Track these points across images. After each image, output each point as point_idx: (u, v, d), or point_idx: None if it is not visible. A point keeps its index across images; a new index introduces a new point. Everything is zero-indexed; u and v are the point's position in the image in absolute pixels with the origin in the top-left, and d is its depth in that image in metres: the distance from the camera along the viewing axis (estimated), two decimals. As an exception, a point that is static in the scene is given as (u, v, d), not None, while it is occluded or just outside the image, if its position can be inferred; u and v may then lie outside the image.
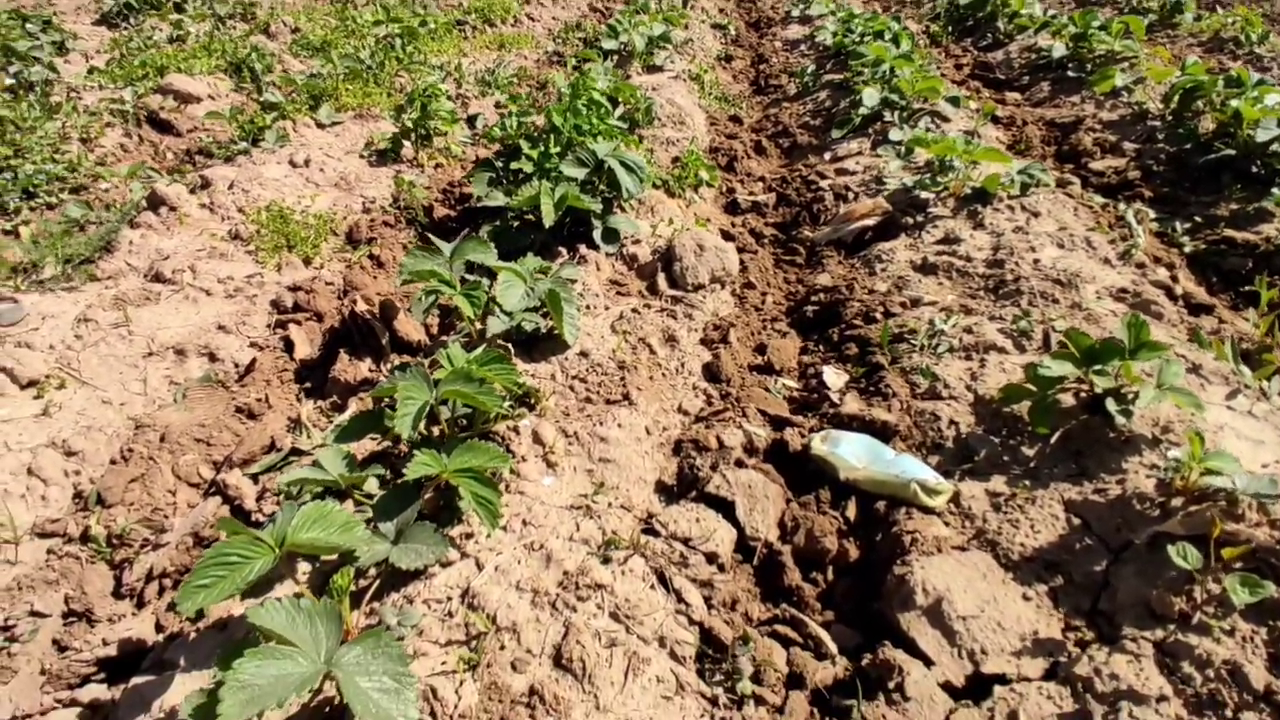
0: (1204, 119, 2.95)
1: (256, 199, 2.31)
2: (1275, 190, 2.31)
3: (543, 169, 2.17)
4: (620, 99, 3.09)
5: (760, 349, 1.91)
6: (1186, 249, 2.31)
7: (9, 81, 3.80)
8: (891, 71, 3.28)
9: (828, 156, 3.04)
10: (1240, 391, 1.54)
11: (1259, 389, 1.56)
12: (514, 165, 2.17)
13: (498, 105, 3.39)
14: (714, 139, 3.22)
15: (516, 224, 2.09)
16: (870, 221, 2.32)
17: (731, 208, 2.68)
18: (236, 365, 1.77)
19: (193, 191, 2.40)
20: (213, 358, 1.76)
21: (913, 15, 5.64)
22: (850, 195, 2.58)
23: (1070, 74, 3.73)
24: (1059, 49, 3.83)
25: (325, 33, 4.53)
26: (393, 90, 3.42)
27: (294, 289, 1.99)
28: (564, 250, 2.08)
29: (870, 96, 3.09)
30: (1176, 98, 3.00)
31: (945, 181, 2.40)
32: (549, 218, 1.92)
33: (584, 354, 1.67)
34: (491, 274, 1.67)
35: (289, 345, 1.83)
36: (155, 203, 2.23)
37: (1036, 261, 2.00)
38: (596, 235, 2.05)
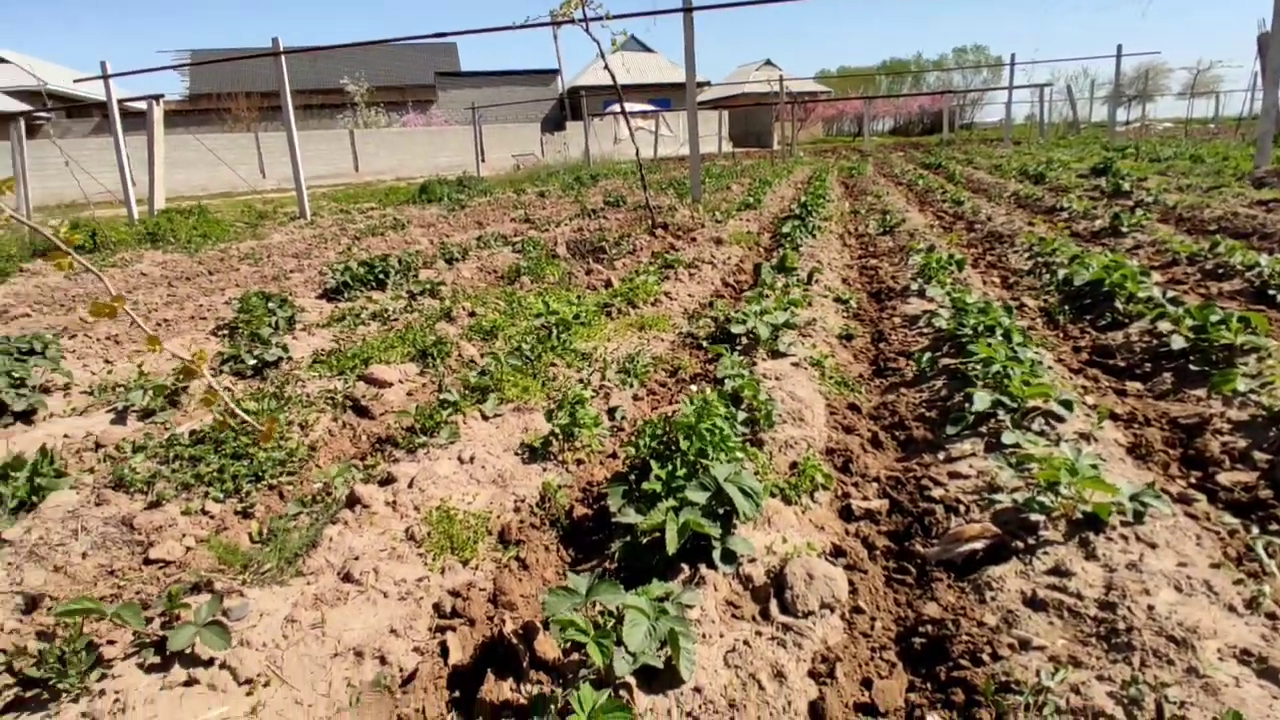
0: (1341, 431, 2.89)
1: (429, 498, 2.75)
2: None
3: (670, 488, 2.48)
4: (744, 397, 3.46)
5: (866, 683, 1.99)
6: (1329, 587, 2.22)
7: (251, 361, 4.74)
8: (1004, 372, 3.48)
9: (941, 456, 3.20)
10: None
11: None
12: (645, 486, 2.50)
13: (635, 398, 3.86)
14: (831, 434, 3.48)
15: (645, 541, 2.37)
16: (979, 545, 2.42)
17: (846, 513, 2.86)
18: (401, 670, 2.07)
19: (382, 485, 2.89)
20: (383, 660, 2.08)
21: (1031, 289, 5.91)
22: (961, 509, 2.70)
23: (1193, 366, 3.78)
24: (1178, 340, 3.91)
25: (496, 317, 5.37)
26: (546, 380, 3.98)
27: (453, 593, 2.33)
28: (685, 567, 2.32)
29: (981, 400, 3.28)
30: (1307, 407, 2.99)
31: (1055, 505, 2.49)
32: (672, 545, 2.19)
33: (698, 689, 1.84)
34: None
35: (445, 650, 2.13)
36: (353, 501, 2.71)
37: (1151, 608, 2.01)
38: (715, 556, 2.29)
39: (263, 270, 8.97)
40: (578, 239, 8.09)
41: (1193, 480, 2.90)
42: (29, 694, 1.89)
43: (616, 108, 45.18)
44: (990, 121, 62.61)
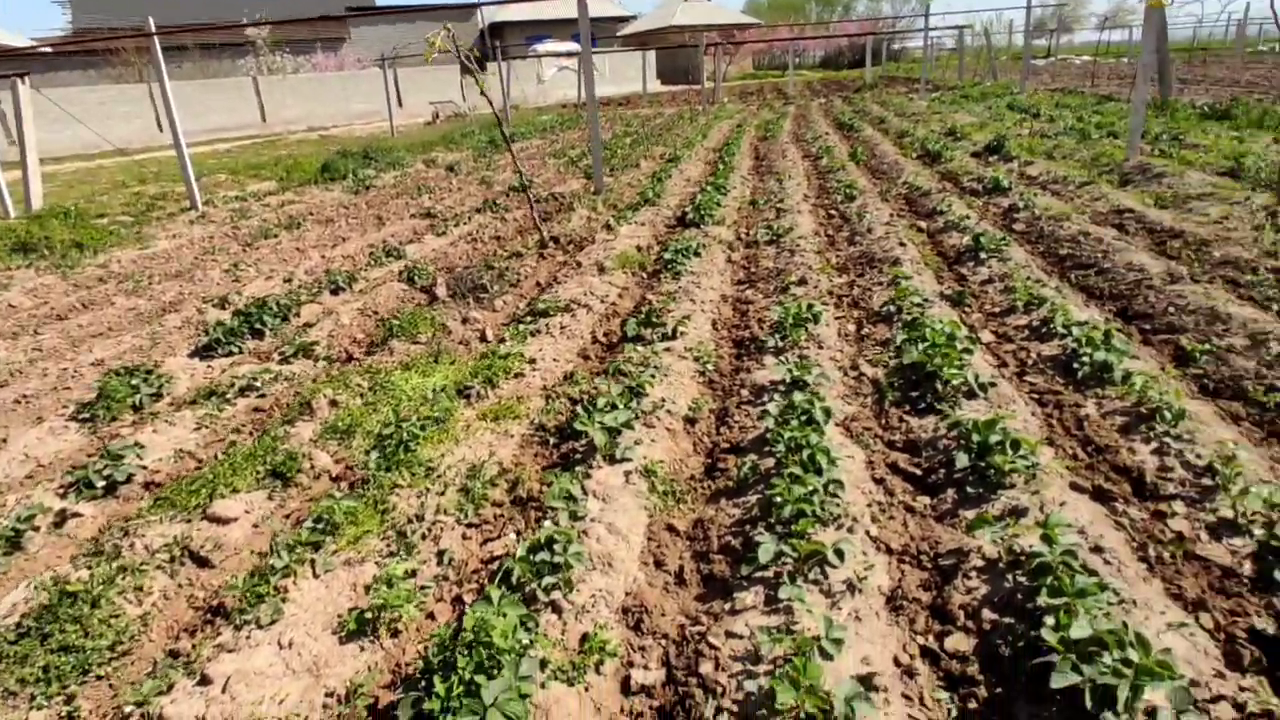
0: None
1: (240, 706, 2.98)
2: None
3: (446, 706, 2.77)
4: (557, 543, 3.72)
5: None
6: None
7: (101, 484, 4.77)
8: (799, 509, 3.81)
9: (729, 605, 3.50)
10: None
11: None
12: (425, 706, 2.79)
13: (465, 535, 4.10)
14: (639, 573, 3.78)
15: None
16: (715, 751, 2.79)
17: (626, 687, 3.19)
18: None
19: (200, 685, 3.10)
20: None
21: (877, 345, 6.23)
22: (718, 689, 3.05)
23: (970, 489, 4.18)
24: (962, 458, 4.31)
25: (356, 406, 5.49)
26: (387, 510, 4.18)
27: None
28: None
29: (766, 551, 3.61)
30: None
31: (785, 704, 2.85)
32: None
33: None
34: None
35: None
36: (166, 722, 2.93)
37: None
38: (478, 787, 2.61)
39: (139, 306, 8.74)
40: (460, 274, 8.15)
41: (930, 641, 3.29)
42: None
43: (539, 47, 43.74)
44: (923, 48, 62.51)
